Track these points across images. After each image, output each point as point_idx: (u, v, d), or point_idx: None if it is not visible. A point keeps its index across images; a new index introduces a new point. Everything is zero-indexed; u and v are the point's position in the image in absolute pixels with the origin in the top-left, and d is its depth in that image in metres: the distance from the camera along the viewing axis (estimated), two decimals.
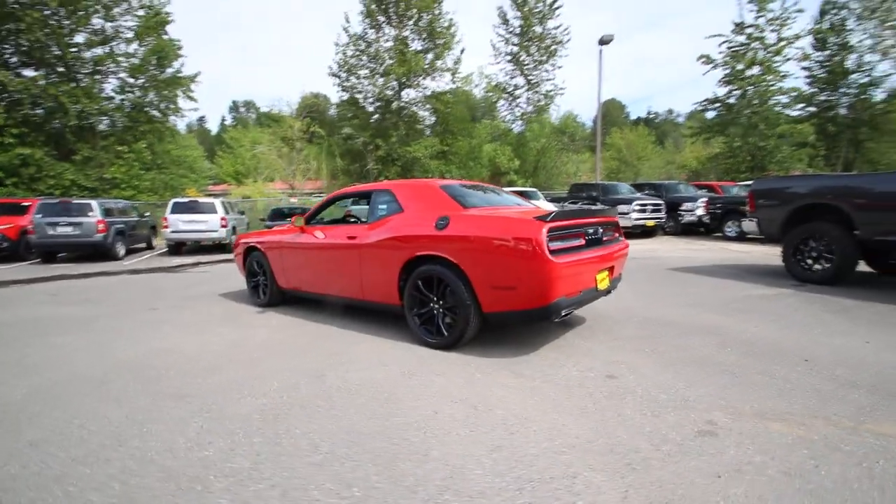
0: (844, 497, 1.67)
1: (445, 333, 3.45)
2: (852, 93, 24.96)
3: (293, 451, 2.08)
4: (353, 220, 5.36)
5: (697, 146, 38.41)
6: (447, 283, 3.38)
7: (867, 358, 3.10)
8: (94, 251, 10.35)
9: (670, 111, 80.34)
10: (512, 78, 25.29)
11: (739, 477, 1.80)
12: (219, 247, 12.48)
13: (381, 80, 22.77)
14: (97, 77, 18.53)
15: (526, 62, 24.86)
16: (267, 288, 5.19)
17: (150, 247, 13.30)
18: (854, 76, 24.61)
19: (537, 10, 24.13)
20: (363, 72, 23.30)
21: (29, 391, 2.90)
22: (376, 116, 24.48)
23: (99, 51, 18.26)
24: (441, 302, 3.49)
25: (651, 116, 78.01)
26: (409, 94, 23.78)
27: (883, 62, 23.69)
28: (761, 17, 24.50)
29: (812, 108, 25.94)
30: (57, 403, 2.70)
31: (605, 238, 3.76)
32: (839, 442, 2.05)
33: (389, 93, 23.05)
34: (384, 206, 4.04)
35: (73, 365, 3.39)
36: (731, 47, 25.38)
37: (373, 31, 23.21)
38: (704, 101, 28.08)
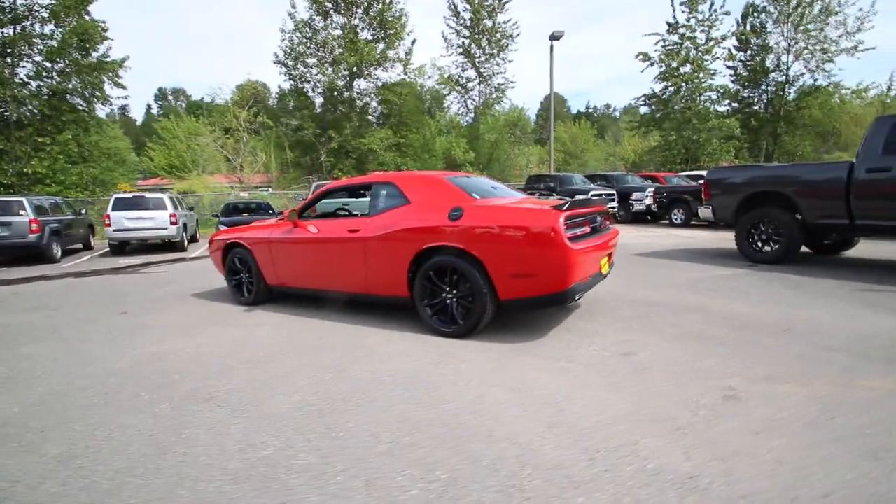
0: (863, 440, 1.94)
1: (461, 322, 3.52)
2: (771, 90, 27.54)
3: (357, 443, 2.07)
4: (344, 213, 5.25)
5: (635, 139, 40.71)
6: (462, 273, 3.44)
7: (831, 326, 3.52)
8: (26, 253, 9.34)
9: (608, 105, 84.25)
10: (464, 70, 25.49)
11: (774, 432, 2.03)
12: (167, 245, 11.67)
13: (330, 70, 22.10)
14: (7, 60, 16.52)
15: (477, 55, 25.11)
16: (252, 286, 4.98)
17: (88, 247, 12.18)
18: (772, 75, 27.15)
19: (487, 3, 24.40)
20: (311, 60, 22.50)
21: (24, 406, 2.65)
22: (327, 107, 23.77)
23: (10, 31, 16.27)
24: (455, 291, 3.55)
25: (590, 111, 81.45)
26: (360, 84, 23.28)
27: (796, 63, 26.31)
28: (692, 18, 26.31)
29: (736, 104, 28.32)
30: (64, 416, 2.49)
31: (602, 226, 3.98)
32: (841, 397, 2.35)
33: (340, 83, 22.43)
34: (388, 199, 4.01)
35: (62, 376, 3.12)
36: (666, 46, 27.09)
37: (320, 17, 22.44)
38: (642, 96, 29.86)
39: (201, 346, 3.64)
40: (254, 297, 4.98)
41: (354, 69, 21.89)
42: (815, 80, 26.30)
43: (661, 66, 27.16)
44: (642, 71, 29.63)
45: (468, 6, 24.92)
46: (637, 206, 14.55)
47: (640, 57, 27.83)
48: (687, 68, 26.75)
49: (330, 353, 3.34)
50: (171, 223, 10.91)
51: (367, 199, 5.55)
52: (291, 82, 22.77)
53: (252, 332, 4.02)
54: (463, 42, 24.82)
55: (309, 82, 22.74)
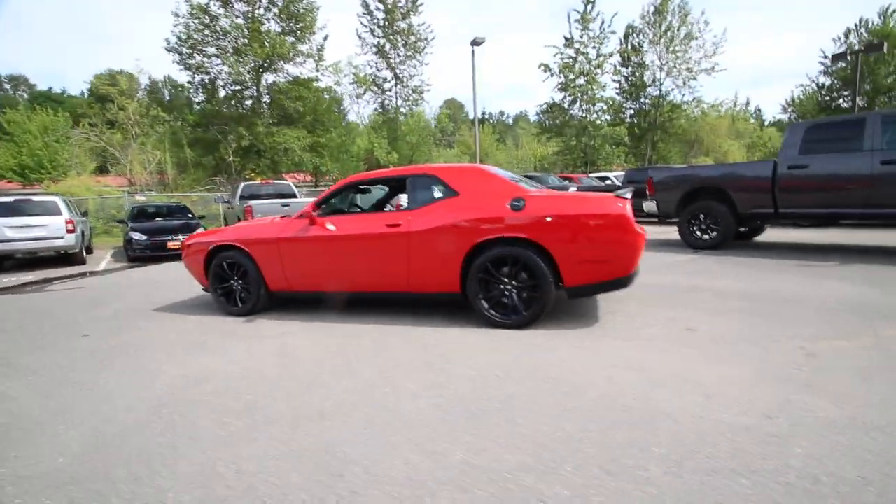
0: None
1: (524, 312, 3.52)
2: (648, 103, 31.60)
3: (536, 450, 1.98)
4: (357, 209, 4.88)
5: (534, 144, 43.79)
6: (525, 263, 3.44)
7: (811, 294, 4.20)
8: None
9: (502, 112, 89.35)
10: (379, 70, 25.13)
11: (871, 374, 2.40)
12: (60, 258, 9.69)
13: (233, 60, 20.17)
14: None
15: (392, 56, 24.93)
16: (250, 293, 4.40)
17: None
18: (649, 90, 31.18)
19: (401, 4, 24.37)
20: (211, 49, 20.38)
21: (73, 455, 2.06)
22: (232, 102, 21.74)
23: None
24: (514, 282, 3.54)
25: (485, 117, 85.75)
26: (269, 79, 21.67)
27: (668, 79, 30.53)
28: (585, 34, 29.14)
29: (622, 115, 32.00)
30: (148, 459, 1.99)
31: None
32: (883, 345, 2.85)
33: (247, 75, 20.65)
34: (431, 191, 3.85)
35: (90, 414, 2.48)
36: (564, 59, 29.64)
37: (219, 3, 20.41)
38: (544, 104, 32.34)
39: (239, 363, 3.14)
40: (252, 307, 4.41)
41: (264, 62, 20.31)
42: (683, 95, 30.87)
43: (561, 77, 29.70)
44: (544, 81, 31.91)
45: (381, 5, 24.65)
46: None
47: (542, 68, 30.11)
48: (581, 80, 29.58)
49: (396, 357, 3.10)
50: (68, 231, 9.10)
51: (368, 194, 5.31)
52: (189, 73, 20.35)
53: (286, 341, 3.56)
54: (378, 42, 24.47)
55: (208, 73, 20.54)
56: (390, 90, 24.99)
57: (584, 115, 29.52)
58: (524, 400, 2.36)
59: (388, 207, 5.64)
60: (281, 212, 10.46)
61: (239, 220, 10.79)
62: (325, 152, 22.84)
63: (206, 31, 19.96)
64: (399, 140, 23.62)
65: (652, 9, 30.37)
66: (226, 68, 20.07)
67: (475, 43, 18.07)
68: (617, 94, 31.93)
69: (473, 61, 18.48)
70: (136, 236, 9.59)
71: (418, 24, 24.52)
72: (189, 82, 20.50)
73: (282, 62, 21.30)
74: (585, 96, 29.47)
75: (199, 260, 4.60)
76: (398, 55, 24.92)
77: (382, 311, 4.26)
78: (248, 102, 21.20)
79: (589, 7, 28.69)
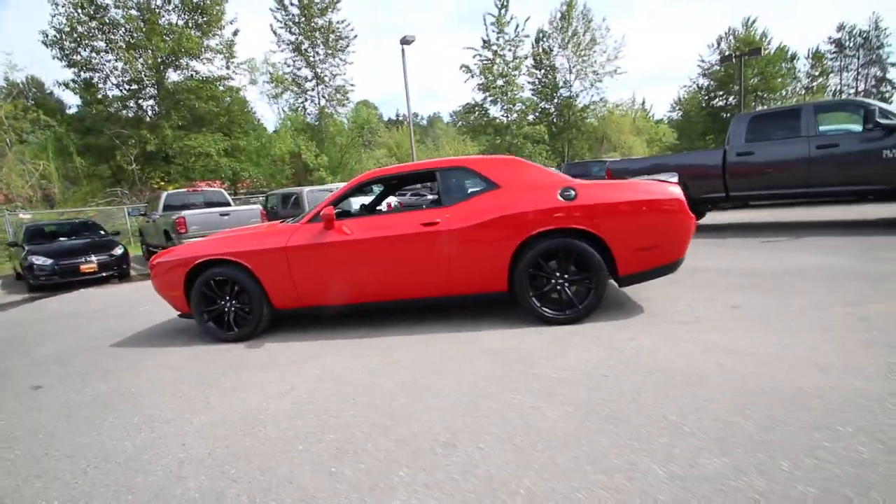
0: None
1: (579, 306, 3.38)
2: (561, 103, 33.53)
3: (727, 448, 1.84)
4: (357, 210, 4.36)
5: (455, 144, 44.52)
6: (579, 254, 3.31)
7: (794, 267, 4.59)
8: None
9: (416, 115, 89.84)
10: (299, 69, 23.70)
11: None
12: None
13: (125, 55, 17.72)
14: None
15: (311, 54, 23.67)
16: (250, 315, 3.75)
17: None
18: (561, 91, 33.10)
19: (317, 1, 23.19)
20: (101, 44, 17.77)
21: None
22: (127, 104, 19.15)
23: None
24: (565, 275, 3.39)
25: (400, 118, 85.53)
26: (174, 77, 19.44)
27: (577, 81, 32.64)
28: (501, 38, 30.13)
29: (538, 115, 33.61)
30: None
31: None
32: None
33: (146, 73, 18.32)
34: (466, 185, 3.55)
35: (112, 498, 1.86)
36: (483, 61, 30.41)
37: None
38: (466, 104, 32.92)
39: (284, 397, 2.61)
40: (253, 329, 3.77)
41: (167, 58, 18.14)
42: (591, 96, 33.21)
43: (481, 78, 30.44)
44: (465, 81, 32.41)
45: (295, 1, 23.28)
46: None
47: (463, 69, 30.61)
48: (500, 82, 30.58)
49: (474, 362, 2.80)
50: None
51: (370, 194, 4.89)
52: (73, 70, 17.49)
53: (322, 365, 3.05)
54: (296, 38, 23.06)
55: (99, 71, 17.88)
56: (312, 90, 23.70)
57: (505, 114, 30.57)
58: (653, 395, 2.20)
59: (382, 208, 5.18)
60: (220, 223, 9.38)
61: (167, 234, 9.46)
62: (243, 156, 21.03)
63: (93, 24, 17.34)
64: (326, 142, 22.48)
65: (559, 15, 32.31)
66: (119, 64, 17.60)
67: (405, 41, 17.76)
68: (532, 94, 33.49)
69: (404, 60, 18.15)
70: (39, 261, 7.95)
71: (338, 22, 23.55)
72: (73, 80, 17.61)
73: (187, 59, 19.21)
74: (506, 97, 30.53)
75: (176, 280, 3.83)
76: (317, 53, 23.72)
77: (396, 320, 3.87)
78: (150, 103, 18.80)
79: (503, 11, 29.77)
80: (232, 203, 11.12)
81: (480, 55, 30.36)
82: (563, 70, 32.59)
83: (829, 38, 48.52)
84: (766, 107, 37.32)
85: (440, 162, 3.69)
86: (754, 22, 37.79)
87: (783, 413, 1.94)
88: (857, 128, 6.28)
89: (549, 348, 2.96)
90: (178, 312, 4.03)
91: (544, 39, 32.58)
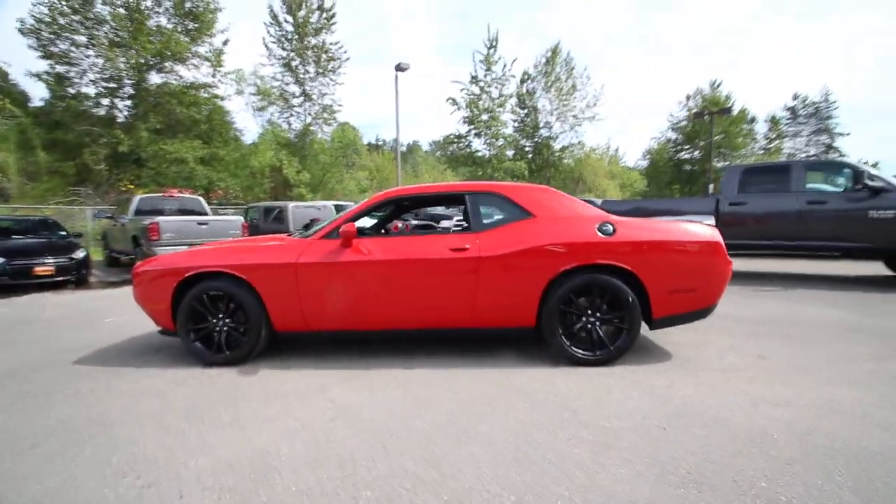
0: None
1: (611, 347, 3.19)
2: (540, 143, 34.55)
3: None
4: (368, 230, 4.07)
5: (434, 173, 44.98)
6: (613, 292, 3.14)
7: (798, 318, 4.61)
8: None
9: (395, 140, 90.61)
10: (287, 85, 23.45)
11: None
12: None
13: (106, 52, 17.01)
14: None
15: (301, 71, 23.53)
16: (246, 335, 3.36)
17: None
18: (542, 131, 34.18)
19: (312, 21, 23.27)
20: (81, 38, 17.06)
21: None
22: (100, 101, 18.32)
23: None
24: (598, 314, 3.21)
25: (380, 143, 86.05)
26: (155, 80, 18.81)
27: (557, 123, 33.82)
28: (489, 75, 31.06)
29: (519, 152, 34.47)
30: None
31: None
32: None
33: (127, 72, 17.63)
34: (497, 211, 3.36)
35: None
36: (469, 95, 31.16)
37: None
38: (450, 135, 33.43)
39: (295, 436, 2.25)
40: (248, 352, 3.37)
41: (151, 59, 17.57)
42: (570, 139, 34.42)
43: (467, 112, 31.10)
44: (451, 114, 32.97)
45: (290, 18, 23.27)
46: None
47: (450, 101, 31.24)
48: (485, 116, 31.32)
49: (509, 403, 2.54)
50: None
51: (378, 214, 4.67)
52: (49, 61, 16.62)
53: (331, 398, 2.70)
54: (287, 54, 22.90)
55: (76, 65, 17.06)
56: (299, 106, 23.43)
57: (488, 148, 31.16)
58: (723, 453, 2.00)
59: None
60: (197, 232, 8.82)
61: (136, 240, 8.80)
62: (220, 166, 20.33)
63: (76, 17, 16.67)
64: (309, 158, 22.07)
65: (543, 60, 33.73)
66: (100, 61, 16.88)
67: (399, 68, 17.93)
68: (515, 132, 34.42)
69: (396, 86, 18.28)
70: None
71: (331, 43, 23.61)
72: (47, 73, 16.69)
73: (173, 63, 18.68)
74: (489, 131, 31.21)
75: (163, 291, 3.41)
76: (307, 72, 23.61)
77: (404, 350, 3.58)
78: (127, 103, 18.02)
79: (492, 51, 30.83)
80: (210, 212, 10.54)
81: (468, 89, 31.17)
82: (545, 112, 33.78)
83: (785, 105, 52.71)
84: (737, 162, 39.68)
85: (470, 185, 3.50)
86: (720, 85, 40.60)
87: (871, 477, 1.77)
88: (844, 187, 6.57)
89: (586, 392, 2.73)
90: (160, 328, 3.58)
91: (528, 81, 33.81)
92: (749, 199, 7.14)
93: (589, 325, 3.22)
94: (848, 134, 50.29)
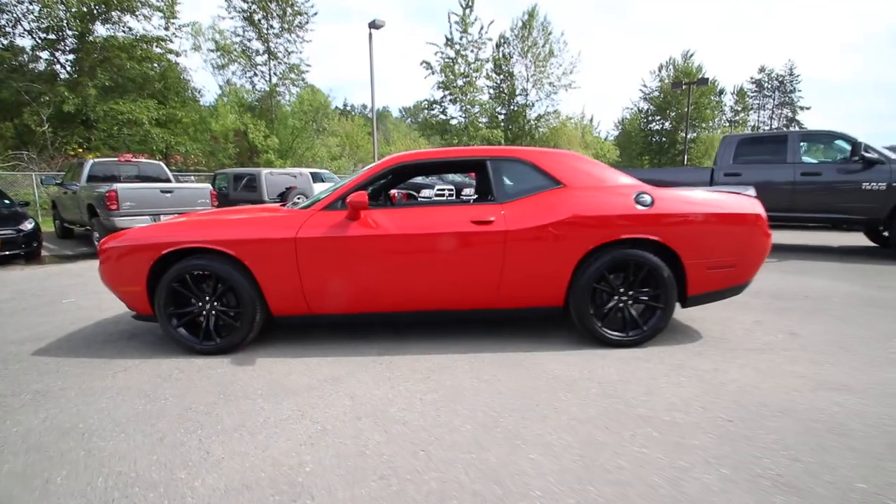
0: None
1: (644, 327, 2.97)
2: (517, 110, 33.93)
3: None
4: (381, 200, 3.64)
5: (406, 141, 43.89)
6: (649, 269, 2.90)
7: (809, 290, 4.57)
8: None
9: (364, 105, 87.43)
10: (249, 41, 21.73)
11: None
12: None
13: (55, 0, 15.13)
14: None
15: (264, 27, 21.82)
16: (239, 320, 2.94)
17: None
18: (518, 98, 33.50)
19: None
20: None
21: None
22: (36, 54, 16.44)
23: None
24: (630, 292, 2.97)
25: (348, 108, 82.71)
26: (102, 31, 16.98)
27: (534, 90, 33.18)
28: (464, 38, 29.85)
29: (497, 119, 33.79)
30: None
31: None
32: None
33: (70, 22, 15.79)
34: (523, 180, 3.00)
35: None
36: (444, 58, 29.96)
37: None
38: (425, 100, 32.29)
39: (320, 443, 1.92)
40: (241, 340, 2.97)
41: (95, 7, 15.74)
42: (546, 107, 33.94)
43: (441, 76, 29.99)
44: (425, 77, 31.69)
45: None
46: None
47: (424, 64, 29.99)
48: (461, 82, 30.32)
49: (550, 394, 2.28)
50: None
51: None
52: None
53: (351, 393, 2.37)
54: (249, 6, 21.10)
55: (7, 12, 15.09)
56: (263, 65, 21.84)
57: (463, 115, 30.34)
58: (808, 450, 1.81)
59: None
60: (161, 201, 8.07)
61: (92, 209, 7.97)
62: (178, 129, 18.89)
63: None
64: (277, 122, 20.79)
65: (520, 24, 32.67)
66: (35, 7, 14.99)
67: (374, 26, 16.82)
68: (490, 98, 33.60)
69: (371, 46, 17.19)
70: None
71: None
72: None
73: (120, 13, 16.86)
74: (465, 97, 30.32)
75: (137, 271, 2.92)
76: (272, 27, 21.93)
77: (412, 333, 3.27)
78: (70, 57, 16.24)
79: (468, 11, 29.55)
80: (173, 179, 9.69)
81: (442, 52, 29.96)
82: (521, 78, 33.02)
83: (752, 78, 53.84)
84: (705, 133, 40.44)
85: (493, 150, 3.11)
86: (692, 55, 40.71)
87: None
88: (838, 158, 6.56)
89: (630, 378, 2.51)
90: (134, 313, 3.11)
91: (505, 45, 32.80)
92: (744, 170, 7.05)
93: (620, 304, 2.98)
94: (809, 108, 52.07)
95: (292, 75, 22.02)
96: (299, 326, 3.44)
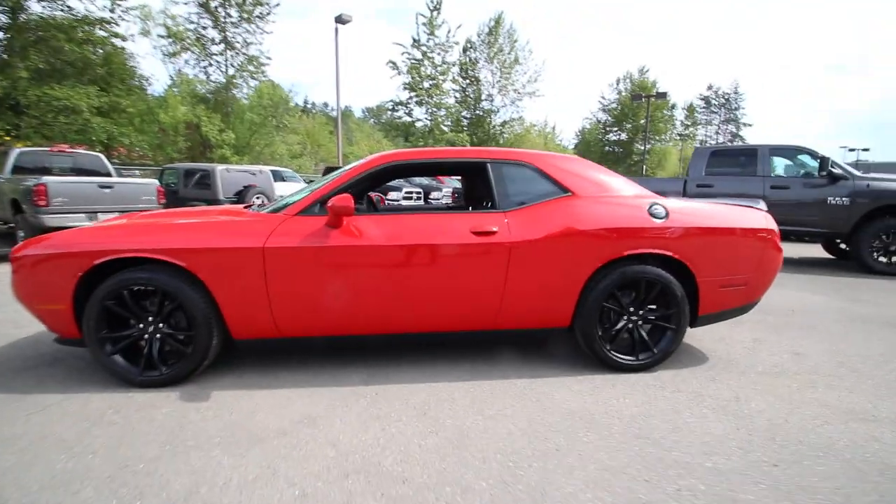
0: None
1: (654, 349, 2.73)
2: (481, 115, 34.00)
3: None
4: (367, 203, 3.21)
5: (370, 142, 43.21)
6: (662, 287, 2.66)
7: (794, 304, 4.56)
8: None
9: (325, 104, 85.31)
10: (204, 29, 20.42)
11: None
12: None
13: None
14: None
15: (221, 14, 20.60)
16: (191, 346, 2.44)
17: None
18: (483, 103, 33.58)
19: None
20: None
21: None
22: None
23: None
24: (640, 312, 2.72)
25: (308, 105, 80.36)
26: (35, 7, 15.36)
27: (499, 96, 33.36)
28: (431, 40, 29.60)
29: (462, 124, 33.71)
30: None
31: None
32: None
33: None
34: (530, 187, 2.69)
35: None
36: (411, 59, 29.57)
37: None
38: (390, 101, 31.75)
39: None
40: (193, 369, 2.47)
41: None
42: (510, 113, 34.22)
43: (408, 77, 29.56)
44: (391, 77, 31.08)
45: None
46: (436, 203, 15.32)
47: (390, 64, 29.50)
48: (427, 84, 30.02)
49: (579, 437, 1.97)
50: None
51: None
52: None
53: (334, 439, 1.95)
54: None
55: None
56: (220, 55, 20.58)
57: (429, 117, 30.04)
58: (869, 501, 1.59)
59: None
60: (100, 197, 7.21)
61: (17, 205, 7.00)
62: (123, 119, 17.44)
63: None
64: (233, 116, 19.61)
65: (487, 30, 32.82)
66: None
67: (340, 20, 16.23)
68: (457, 102, 33.50)
69: (337, 40, 16.58)
70: None
71: None
72: None
73: None
74: (432, 100, 30.04)
75: (60, 285, 2.37)
76: (229, 15, 20.75)
77: (390, 356, 2.90)
78: (0, 36, 14.56)
79: (435, 14, 29.34)
80: (114, 173, 8.74)
81: (409, 54, 29.57)
82: (487, 84, 33.14)
83: (700, 94, 56.86)
84: (658, 146, 42.17)
85: (492, 152, 2.78)
86: (647, 71, 42.49)
87: None
88: (805, 173, 6.74)
89: (652, 412, 2.24)
90: (56, 336, 2.54)
91: (471, 50, 32.82)
92: (716, 182, 7.12)
93: (630, 325, 2.73)
94: (751, 125, 55.56)
95: (251, 67, 20.84)
96: (266, 350, 2.96)
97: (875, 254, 6.20)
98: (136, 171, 16.26)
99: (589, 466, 1.80)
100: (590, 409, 2.27)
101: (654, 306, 2.74)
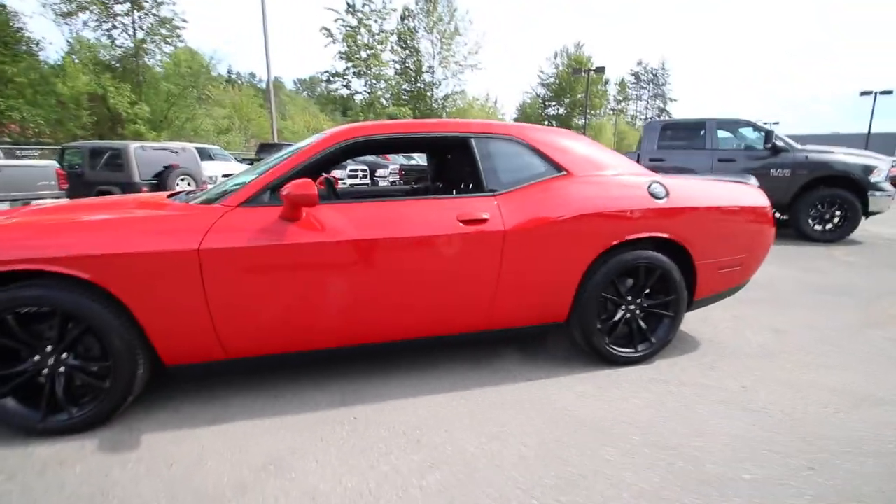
0: None
1: (652, 339, 2.54)
2: (423, 88, 33.07)
3: None
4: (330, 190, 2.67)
5: (305, 116, 40.87)
6: (662, 273, 2.46)
7: (772, 279, 4.65)
8: None
9: (252, 75, 79.27)
10: None
11: None
12: None
13: None
14: None
15: None
16: (109, 380, 1.90)
17: None
18: (424, 76, 32.61)
19: None
20: None
21: None
22: None
23: None
24: (638, 300, 2.52)
25: (232, 76, 74.17)
26: None
27: (440, 69, 32.53)
28: (367, 6, 28.01)
29: (402, 97, 32.60)
30: None
31: None
32: None
33: None
34: (521, 166, 2.33)
35: None
36: (346, 26, 27.88)
37: None
38: (325, 72, 29.95)
39: None
40: (112, 408, 1.93)
41: None
42: (452, 87, 33.58)
43: (343, 46, 27.91)
44: (325, 46, 29.15)
45: None
46: (382, 182, 14.67)
47: (324, 31, 27.66)
48: (364, 54, 28.55)
49: (600, 454, 1.72)
50: None
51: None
52: None
53: (306, 490, 1.56)
54: None
55: None
56: (125, 16, 18.05)
57: (369, 92, 28.74)
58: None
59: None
60: None
61: None
62: (12, 90, 14.98)
63: None
64: (146, 86, 17.42)
65: None
66: None
67: None
68: (397, 74, 32.27)
69: (264, 4, 15.04)
70: None
71: None
72: None
73: None
74: (370, 72, 28.67)
75: None
76: None
77: (364, 366, 2.53)
78: None
79: None
80: (1, 154, 7.36)
81: (344, 20, 27.85)
82: (427, 56, 32.16)
83: (631, 70, 59.06)
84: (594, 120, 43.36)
85: (474, 125, 2.39)
86: (583, 46, 43.28)
87: None
88: (749, 145, 6.97)
89: (667, 415, 2.04)
90: None
91: (410, 18, 31.55)
92: (667, 156, 7.20)
93: (628, 315, 2.52)
94: (677, 100, 58.72)
95: (163, 30, 18.51)
96: (209, 371, 2.44)
97: (811, 222, 6.56)
98: (35, 152, 14.11)
99: (623, 495, 1.54)
100: (599, 416, 2.03)
101: (649, 293, 2.54)
